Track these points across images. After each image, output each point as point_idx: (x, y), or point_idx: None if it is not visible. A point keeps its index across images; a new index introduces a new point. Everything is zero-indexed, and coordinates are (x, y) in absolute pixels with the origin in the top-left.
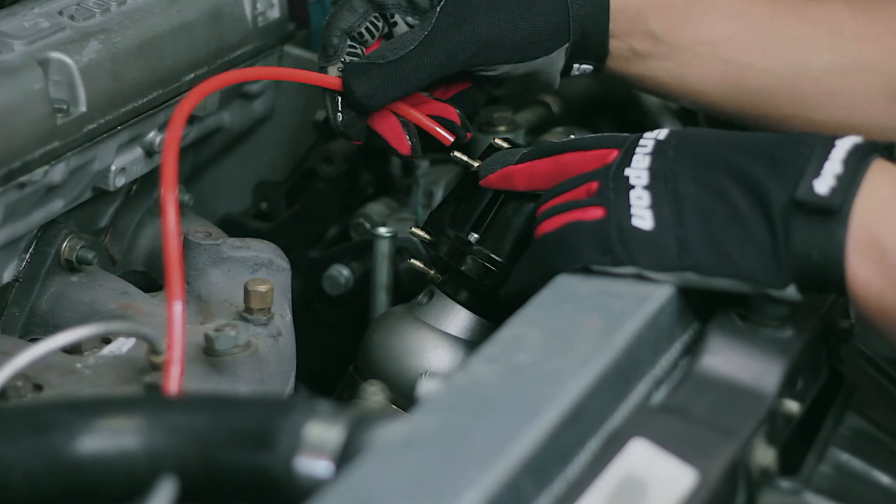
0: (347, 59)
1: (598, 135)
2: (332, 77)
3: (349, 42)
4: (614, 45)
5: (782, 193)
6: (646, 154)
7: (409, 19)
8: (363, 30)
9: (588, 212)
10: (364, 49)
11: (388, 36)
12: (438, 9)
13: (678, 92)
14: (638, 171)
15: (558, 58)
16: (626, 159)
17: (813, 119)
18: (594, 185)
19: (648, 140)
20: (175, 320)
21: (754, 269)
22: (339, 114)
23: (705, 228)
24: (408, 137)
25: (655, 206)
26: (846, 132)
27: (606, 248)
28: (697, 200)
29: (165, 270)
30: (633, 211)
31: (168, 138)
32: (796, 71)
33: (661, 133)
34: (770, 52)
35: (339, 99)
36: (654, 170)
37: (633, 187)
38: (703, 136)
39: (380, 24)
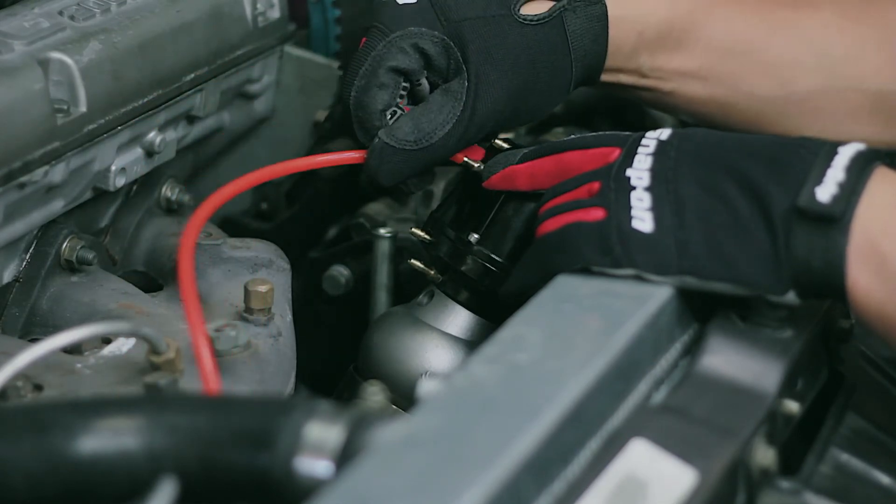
0: (389, 122)
1: (600, 133)
2: (355, 154)
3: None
4: (603, 77)
5: (784, 199)
6: (648, 154)
7: (428, 76)
8: (398, 99)
9: (589, 213)
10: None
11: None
12: (466, 84)
13: (666, 111)
14: (639, 171)
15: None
16: (628, 159)
17: None
18: (596, 186)
19: (651, 140)
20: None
21: (754, 275)
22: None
23: (705, 232)
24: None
25: (656, 209)
26: None
27: (606, 250)
28: (698, 203)
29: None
30: (633, 213)
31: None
32: (782, 94)
33: (664, 133)
34: (755, 75)
35: None
36: (655, 171)
37: (633, 188)
38: (706, 138)
39: (408, 87)
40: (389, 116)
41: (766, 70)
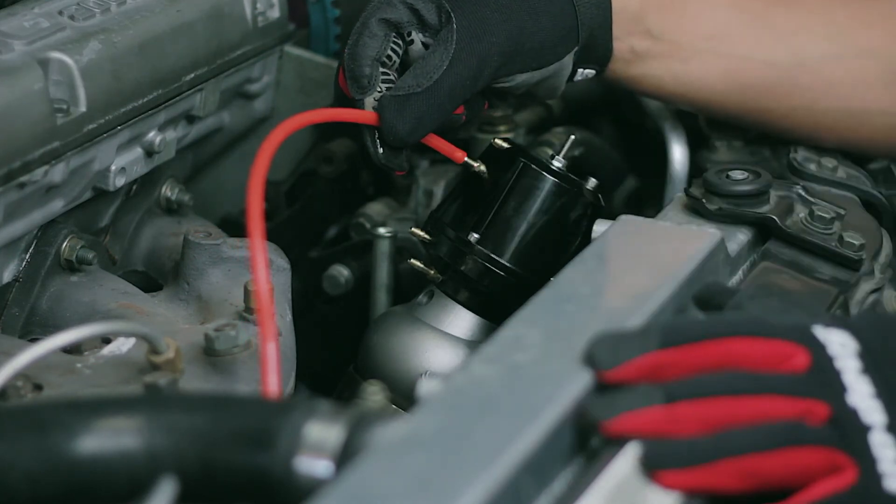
0: (382, 87)
1: (767, 322)
2: (370, 113)
3: (381, 69)
4: (616, 46)
5: None
6: (860, 373)
7: (422, 37)
8: (390, 52)
9: (840, 475)
10: (393, 73)
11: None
12: (455, 25)
13: (679, 91)
14: (864, 399)
15: (568, 62)
16: (833, 374)
17: (814, 110)
18: (821, 410)
19: (840, 345)
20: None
21: None
22: (380, 148)
23: None
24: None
25: None
26: (847, 121)
27: None
28: None
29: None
30: (882, 468)
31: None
32: (794, 61)
33: (842, 336)
34: (767, 43)
35: (378, 133)
36: (883, 397)
37: (869, 429)
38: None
39: (401, 44)
40: (380, 70)
41: (777, 36)
